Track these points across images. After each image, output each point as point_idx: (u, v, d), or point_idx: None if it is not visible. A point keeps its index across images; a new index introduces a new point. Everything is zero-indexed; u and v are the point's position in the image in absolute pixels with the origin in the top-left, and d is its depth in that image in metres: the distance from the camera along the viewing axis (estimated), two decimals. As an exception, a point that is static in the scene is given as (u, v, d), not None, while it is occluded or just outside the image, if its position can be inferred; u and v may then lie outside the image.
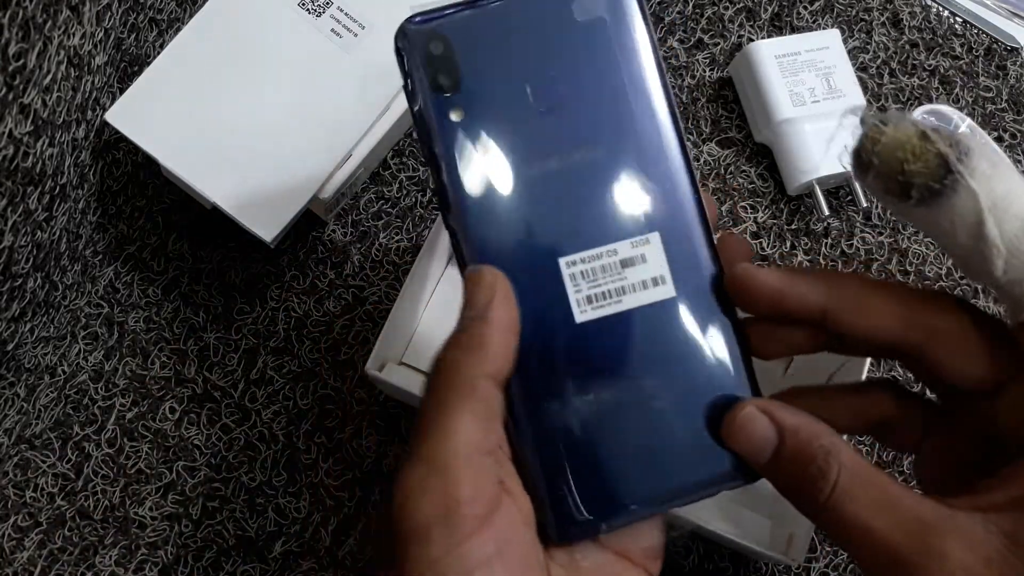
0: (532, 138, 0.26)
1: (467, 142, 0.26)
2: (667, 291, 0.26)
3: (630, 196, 0.26)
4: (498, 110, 0.26)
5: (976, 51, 0.49)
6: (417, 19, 0.26)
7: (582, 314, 0.26)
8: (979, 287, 0.44)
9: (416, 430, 0.23)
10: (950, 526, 0.22)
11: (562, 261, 0.26)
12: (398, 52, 0.26)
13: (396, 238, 0.44)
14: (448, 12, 0.26)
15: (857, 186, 0.43)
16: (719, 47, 0.48)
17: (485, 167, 0.26)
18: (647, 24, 0.27)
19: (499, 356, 0.24)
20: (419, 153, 0.45)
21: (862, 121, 0.25)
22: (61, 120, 0.37)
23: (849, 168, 0.26)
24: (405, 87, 0.26)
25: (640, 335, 0.26)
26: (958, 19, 0.50)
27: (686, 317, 0.26)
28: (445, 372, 0.24)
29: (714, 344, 0.27)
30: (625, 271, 0.26)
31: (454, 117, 0.26)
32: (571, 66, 0.26)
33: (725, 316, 0.27)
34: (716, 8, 0.48)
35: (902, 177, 0.23)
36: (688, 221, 0.27)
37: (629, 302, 0.26)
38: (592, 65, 0.26)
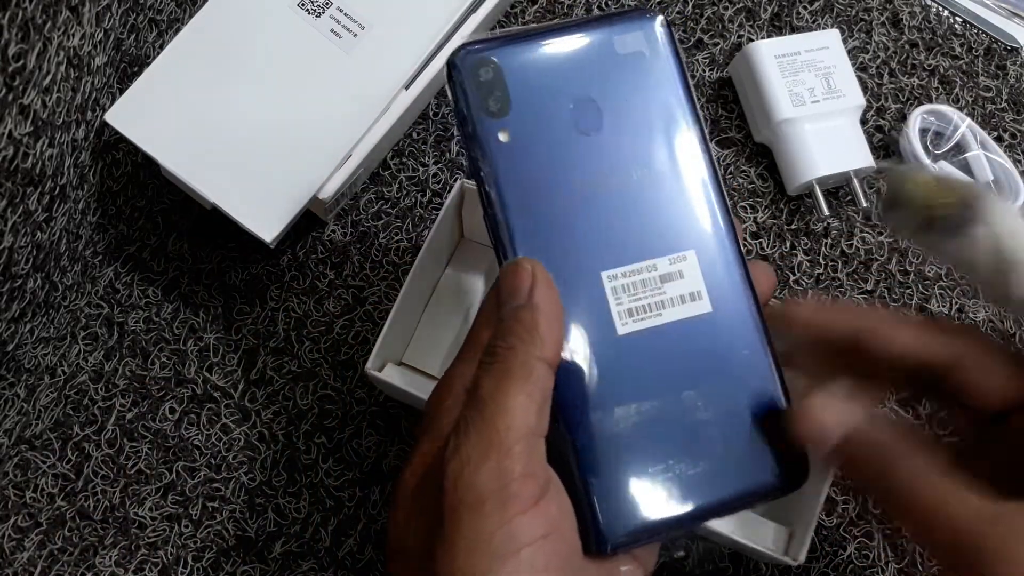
0: (575, 160, 0.28)
1: (514, 162, 0.27)
2: (704, 306, 0.28)
3: (667, 216, 0.28)
4: (543, 133, 0.28)
5: (976, 51, 0.49)
6: (470, 47, 0.27)
7: (623, 326, 0.27)
8: (977, 287, 0.44)
9: (472, 407, 0.24)
10: (1019, 517, 0.23)
11: (604, 275, 0.27)
12: (450, 78, 0.27)
13: (396, 238, 0.44)
14: (498, 41, 0.28)
15: (857, 186, 0.43)
16: (719, 47, 0.48)
17: (530, 186, 0.27)
18: (679, 59, 0.29)
19: (549, 340, 0.25)
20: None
21: (889, 170, 0.29)
22: (61, 121, 0.37)
23: (879, 212, 0.29)
24: (456, 111, 0.27)
25: (680, 348, 0.27)
26: (958, 19, 0.50)
27: (722, 331, 0.28)
28: (502, 357, 0.24)
29: (750, 358, 0.28)
30: (664, 286, 0.27)
31: (502, 138, 0.27)
32: (612, 94, 0.28)
33: (758, 331, 0.28)
34: (716, 8, 0.48)
35: (928, 211, 0.27)
36: (721, 241, 0.28)
37: (668, 316, 0.27)
38: (631, 94, 0.28)
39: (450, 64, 0.27)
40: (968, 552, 0.23)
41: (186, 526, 0.40)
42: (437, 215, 0.39)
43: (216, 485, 0.40)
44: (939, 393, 0.28)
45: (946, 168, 0.45)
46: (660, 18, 0.29)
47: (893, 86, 0.48)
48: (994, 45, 0.49)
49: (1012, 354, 0.27)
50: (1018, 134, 0.48)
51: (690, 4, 0.48)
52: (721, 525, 0.35)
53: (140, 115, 0.39)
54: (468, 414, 0.24)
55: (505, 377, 0.24)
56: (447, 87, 0.28)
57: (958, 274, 0.30)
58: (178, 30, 0.40)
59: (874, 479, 0.25)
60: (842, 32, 0.47)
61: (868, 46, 0.48)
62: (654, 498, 0.26)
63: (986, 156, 0.45)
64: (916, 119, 0.45)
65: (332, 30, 0.40)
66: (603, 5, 0.48)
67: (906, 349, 0.27)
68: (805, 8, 0.49)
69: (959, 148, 0.46)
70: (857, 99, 0.45)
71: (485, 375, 0.24)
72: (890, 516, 0.26)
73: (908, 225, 0.28)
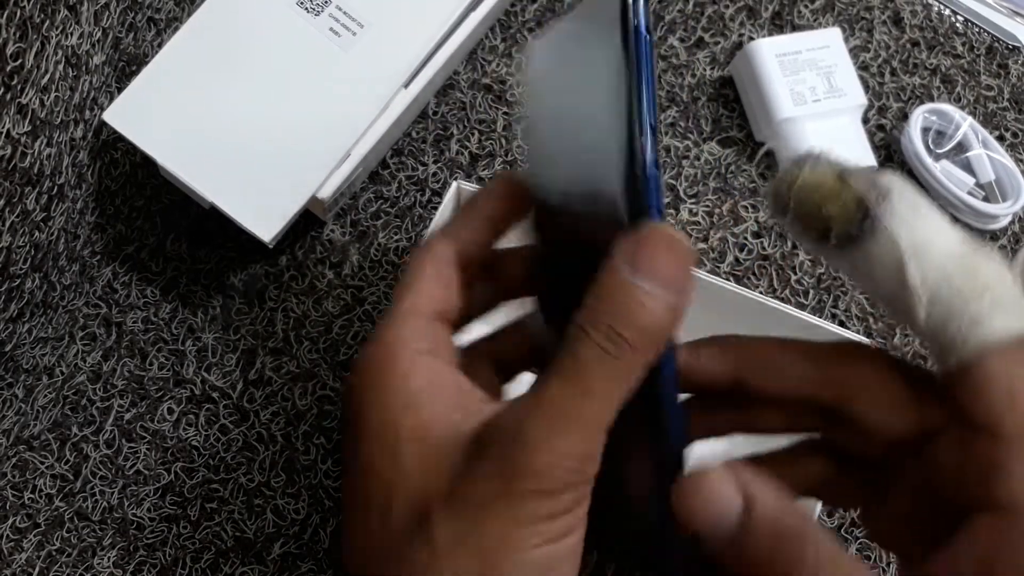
0: None
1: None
2: None
3: None
4: None
5: (977, 50, 0.49)
6: None
7: None
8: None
9: (571, 385, 0.22)
10: None
11: None
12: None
13: (395, 238, 0.44)
14: None
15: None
16: (720, 46, 0.48)
17: None
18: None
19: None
20: (420, 152, 0.45)
21: (780, 169, 0.24)
22: (59, 120, 0.37)
23: (767, 210, 0.24)
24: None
25: None
26: (959, 18, 0.50)
27: None
28: (630, 351, 0.22)
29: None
30: None
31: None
32: None
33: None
34: (717, 7, 0.48)
35: (818, 221, 0.23)
36: None
37: None
38: None
39: None
40: None
41: (184, 527, 0.40)
42: (435, 214, 0.39)
43: (215, 486, 0.40)
44: (838, 430, 0.25)
45: (947, 165, 0.45)
46: None
47: (894, 85, 0.48)
48: (996, 44, 0.49)
49: (913, 376, 0.24)
50: (1020, 133, 0.47)
51: (691, 3, 0.48)
52: None
53: (138, 114, 0.39)
54: (564, 401, 0.22)
55: (620, 381, 0.22)
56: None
57: (859, 291, 0.25)
58: (176, 29, 0.40)
59: (777, 571, 0.22)
60: (843, 31, 0.47)
61: (869, 45, 0.48)
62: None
63: (988, 155, 0.45)
64: (918, 118, 0.45)
65: (331, 28, 0.40)
66: (603, 4, 0.48)
67: (787, 388, 0.25)
68: (806, 7, 0.49)
69: (961, 147, 0.46)
70: (858, 98, 0.45)
71: (599, 367, 0.22)
72: None
73: (798, 230, 0.23)
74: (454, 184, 0.38)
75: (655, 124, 0.22)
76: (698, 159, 0.46)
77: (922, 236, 0.22)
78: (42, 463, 0.40)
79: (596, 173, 0.23)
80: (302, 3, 0.40)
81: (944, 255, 0.22)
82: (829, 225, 0.22)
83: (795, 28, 0.48)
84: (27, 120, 0.34)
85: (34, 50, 0.34)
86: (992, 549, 0.21)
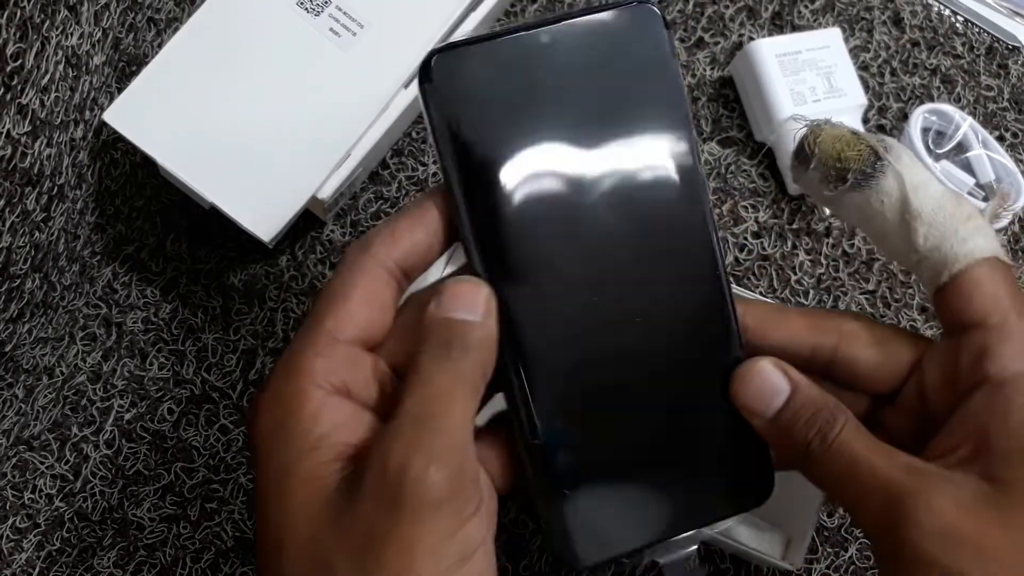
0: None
1: None
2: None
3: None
4: None
5: (977, 50, 0.49)
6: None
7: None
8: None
9: (421, 401, 0.24)
10: (940, 472, 0.24)
11: None
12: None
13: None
14: None
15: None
16: (720, 46, 0.48)
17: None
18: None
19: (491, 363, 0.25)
20: (420, 152, 0.45)
21: (803, 126, 0.29)
22: (59, 120, 0.37)
23: (790, 169, 0.29)
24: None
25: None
26: (959, 18, 0.50)
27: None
28: (457, 359, 0.25)
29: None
30: None
31: None
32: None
33: (729, 343, 0.28)
34: (717, 7, 0.48)
35: (839, 163, 0.28)
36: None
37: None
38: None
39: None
40: (893, 507, 0.24)
41: (184, 527, 0.40)
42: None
43: (215, 486, 0.40)
44: (832, 380, 0.28)
45: (947, 166, 0.45)
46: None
47: (895, 85, 0.48)
48: (996, 44, 0.49)
49: (895, 329, 0.28)
50: (1020, 133, 0.47)
51: (691, 3, 0.48)
52: (720, 529, 0.35)
53: (138, 114, 0.39)
54: (416, 408, 0.24)
55: (459, 380, 0.24)
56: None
57: (860, 230, 0.30)
58: (176, 29, 0.40)
59: (813, 441, 0.25)
60: (843, 31, 0.47)
61: (869, 45, 0.48)
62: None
63: (988, 155, 0.45)
64: (918, 118, 0.45)
65: (331, 29, 0.40)
66: (603, 3, 0.48)
67: (794, 335, 0.28)
68: (806, 7, 0.49)
69: (961, 147, 0.46)
70: (858, 98, 0.45)
71: (439, 371, 0.24)
72: (821, 485, 0.26)
73: (819, 176, 0.28)
74: None
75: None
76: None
77: (919, 176, 0.27)
78: (42, 463, 0.40)
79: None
80: (302, 3, 0.40)
81: (937, 191, 0.27)
82: (847, 167, 0.27)
83: (795, 28, 0.48)
84: (27, 120, 0.34)
85: (34, 50, 0.34)
86: (985, 418, 0.25)
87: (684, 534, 0.28)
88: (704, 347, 0.27)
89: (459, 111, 0.25)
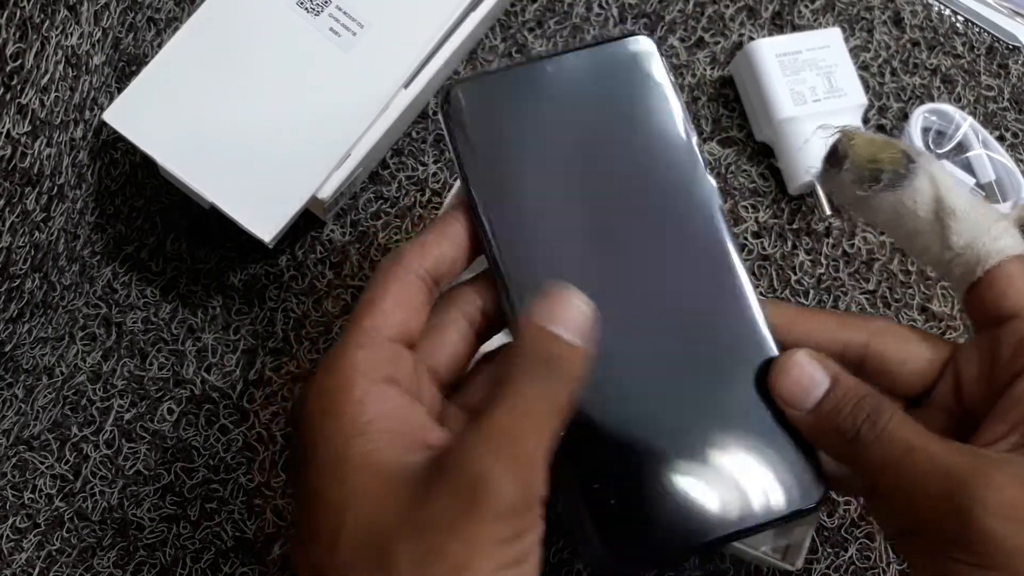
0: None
1: None
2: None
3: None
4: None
5: (978, 50, 0.49)
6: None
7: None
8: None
9: (506, 411, 0.24)
10: (999, 455, 0.25)
11: None
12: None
13: (395, 238, 0.44)
14: None
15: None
16: (720, 46, 0.48)
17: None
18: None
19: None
20: (420, 152, 0.45)
21: (834, 131, 0.30)
22: (59, 120, 0.37)
23: (820, 173, 0.31)
24: None
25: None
26: (960, 18, 0.50)
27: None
28: (554, 378, 0.25)
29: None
30: None
31: None
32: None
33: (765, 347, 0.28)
34: (717, 6, 0.48)
35: (874, 164, 0.29)
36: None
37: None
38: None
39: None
40: (955, 489, 0.23)
41: (184, 527, 0.40)
42: (436, 214, 0.38)
43: (214, 486, 0.40)
44: (864, 368, 0.29)
45: (948, 166, 0.45)
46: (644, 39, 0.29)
47: (895, 85, 0.48)
48: (996, 44, 0.49)
49: (923, 331, 0.29)
50: (1020, 133, 0.47)
51: (691, 3, 0.48)
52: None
53: (138, 114, 0.39)
54: (503, 422, 0.24)
55: (551, 406, 0.24)
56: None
57: (888, 232, 0.31)
58: (176, 29, 0.40)
59: (863, 428, 0.25)
60: (844, 31, 0.47)
61: (870, 45, 0.48)
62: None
63: (988, 155, 0.45)
64: (918, 118, 0.45)
65: (331, 28, 0.40)
66: (604, 3, 0.48)
67: (824, 333, 0.28)
68: (806, 7, 0.49)
69: (961, 147, 0.46)
70: (859, 98, 0.45)
71: (533, 392, 0.24)
72: (871, 473, 0.26)
73: (852, 178, 0.29)
74: (457, 182, 0.38)
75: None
76: (698, 159, 0.46)
77: (949, 180, 0.28)
78: (42, 463, 0.40)
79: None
80: (302, 3, 0.40)
81: (965, 191, 0.28)
82: (882, 168, 0.29)
83: (795, 28, 0.48)
84: (27, 120, 0.34)
85: (34, 50, 0.34)
86: None
87: (729, 540, 0.26)
88: (737, 346, 0.28)
89: (478, 138, 0.28)
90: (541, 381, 0.24)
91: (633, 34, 0.29)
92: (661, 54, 0.29)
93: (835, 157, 0.30)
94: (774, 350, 0.27)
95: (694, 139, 0.29)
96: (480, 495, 0.23)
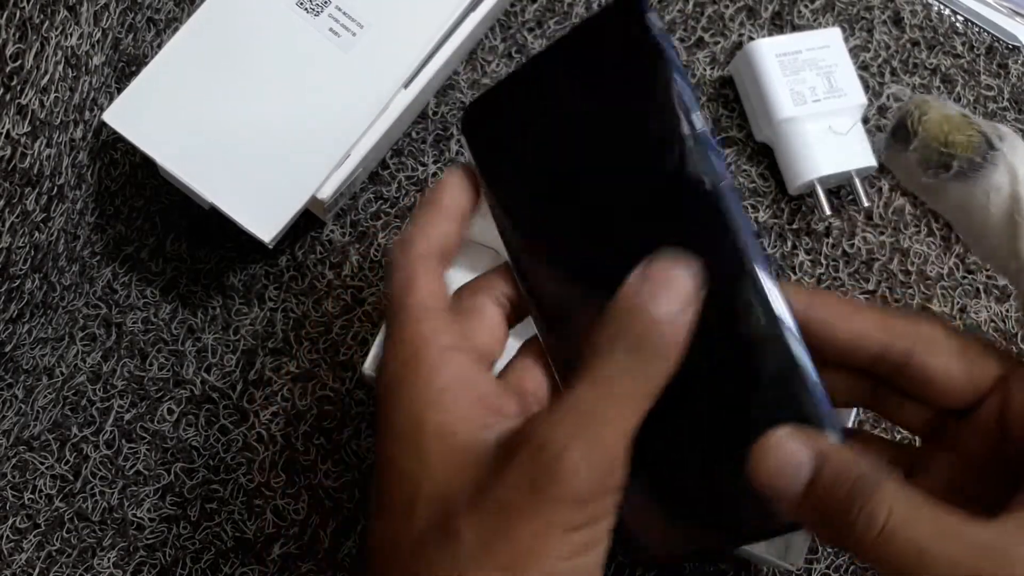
0: None
1: None
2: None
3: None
4: None
5: (977, 50, 0.49)
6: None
7: None
8: (980, 287, 0.44)
9: (594, 387, 0.23)
10: (1020, 549, 0.21)
11: None
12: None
13: (395, 238, 0.44)
14: None
15: (858, 185, 0.43)
16: (719, 46, 0.48)
17: None
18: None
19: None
20: (420, 152, 0.45)
21: (907, 99, 0.26)
22: (59, 121, 0.37)
23: (884, 147, 0.26)
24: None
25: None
26: (959, 17, 0.50)
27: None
28: (655, 357, 0.23)
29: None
30: None
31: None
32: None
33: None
34: (716, 6, 0.48)
35: (945, 148, 0.24)
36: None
37: None
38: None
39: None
40: None
41: (184, 527, 0.40)
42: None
43: (214, 486, 0.40)
44: (897, 387, 0.26)
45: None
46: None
47: (895, 85, 0.48)
48: (996, 44, 0.49)
49: (977, 340, 0.25)
50: (1020, 133, 0.47)
51: (691, 2, 0.48)
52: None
53: (138, 115, 0.39)
54: (587, 403, 0.22)
55: (640, 388, 0.23)
56: None
57: (955, 226, 0.27)
58: (176, 29, 0.40)
59: (858, 523, 0.21)
60: (843, 31, 0.47)
61: (869, 45, 0.48)
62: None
63: (988, 155, 0.45)
64: (918, 118, 0.45)
65: (331, 29, 0.40)
66: (603, 3, 0.48)
67: (862, 333, 0.25)
68: (806, 7, 0.49)
69: (961, 147, 0.46)
70: (859, 98, 0.45)
71: (622, 371, 0.23)
72: (880, 568, 0.22)
73: (918, 159, 0.25)
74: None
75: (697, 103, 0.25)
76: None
77: None
78: (42, 463, 0.40)
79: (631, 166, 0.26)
80: (302, 3, 0.40)
81: None
82: (953, 153, 0.24)
83: (795, 28, 0.48)
84: (27, 121, 0.34)
85: (34, 51, 0.34)
86: None
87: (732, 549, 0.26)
88: (757, 349, 0.25)
89: (494, 150, 0.28)
90: (633, 357, 0.23)
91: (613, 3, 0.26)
92: (645, 20, 0.25)
93: (903, 132, 0.25)
94: (795, 356, 0.25)
95: (691, 114, 0.25)
96: (555, 477, 0.21)
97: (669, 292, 0.23)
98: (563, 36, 0.27)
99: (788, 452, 0.23)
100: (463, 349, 0.25)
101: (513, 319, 0.29)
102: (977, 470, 0.25)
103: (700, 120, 0.25)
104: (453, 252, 0.28)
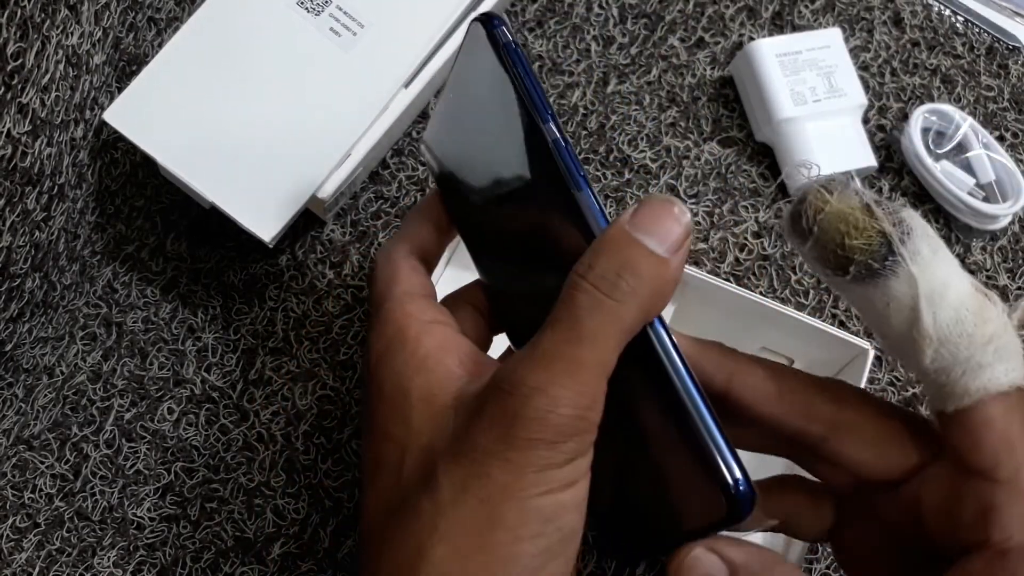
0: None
1: None
2: None
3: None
4: None
5: (978, 50, 0.49)
6: None
7: None
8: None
9: (567, 330, 0.23)
10: None
11: None
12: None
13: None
14: None
15: (858, 185, 0.43)
16: (720, 46, 0.48)
17: None
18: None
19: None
20: (418, 153, 0.45)
21: (801, 191, 0.24)
22: (59, 120, 0.37)
23: (782, 231, 0.24)
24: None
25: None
26: (960, 18, 0.50)
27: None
28: (622, 295, 0.23)
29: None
30: None
31: None
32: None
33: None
34: (717, 7, 0.48)
35: (841, 251, 0.22)
36: None
37: None
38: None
39: None
40: None
41: (184, 527, 0.40)
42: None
43: (214, 486, 0.40)
44: (812, 462, 0.26)
45: (948, 166, 0.45)
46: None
47: (895, 85, 0.48)
48: (996, 44, 0.49)
49: (901, 426, 0.25)
50: (1020, 133, 0.47)
51: (691, 3, 0.48)
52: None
53: (139, 114, 0.39)
54: (558, 347, 0.22)
55: (615, 327, 0.22)
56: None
57: (863, 322, 0.26)
58: (177, 28, 0.40)
59: None
60: (844, 31, 0.47)
61: (870, 45, 0.48)
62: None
63: (988, 156, 0.45)
64: (918, 118, 0.45)
65: (331, 28, 0.40)
66: (604, 3, 0.48)
67: (782, 416, 0.25)
68: (806, 7, 0.49)
69: (961, 147, 0.46)
70: (859, 98, 0.45)
71: (596, 309, 0.22)
72: None
73: (817, 259, 0.23)
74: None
75: (552, 112, 0.25)
76: (698, 159, 0.46)
77: (940, 279, 0.22)
78: (42, 463, 0.40)
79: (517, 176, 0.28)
80: (302, 3, 0.40)
81: (958, 301, 0.22)
82: (850, 256, 0.22)
83: (795, 28, 0.48)
84: (27, 120, 0.34)
85: (34, 50, 0.34)
86: None
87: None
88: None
89: (441, 169, 0.32)
90: (605, 299, 0.22)
91: (480, 19, 0.27)
92: (494, 35, 0.26)
93: (798, 226, 0.23)
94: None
95: (542, 121, 0.25)
96: (524, 418, 0.22)
97: (657, 221, 0.22)
98: (457, 52, 0.29)
99: (703, 567, 0.23)
100: (447, 324, 0.27)
101: (495, 328, 0.30)
102: (898, 536, 0.25)
103: (553, 129, 0.25)
104: (435, 255, 0.31)
